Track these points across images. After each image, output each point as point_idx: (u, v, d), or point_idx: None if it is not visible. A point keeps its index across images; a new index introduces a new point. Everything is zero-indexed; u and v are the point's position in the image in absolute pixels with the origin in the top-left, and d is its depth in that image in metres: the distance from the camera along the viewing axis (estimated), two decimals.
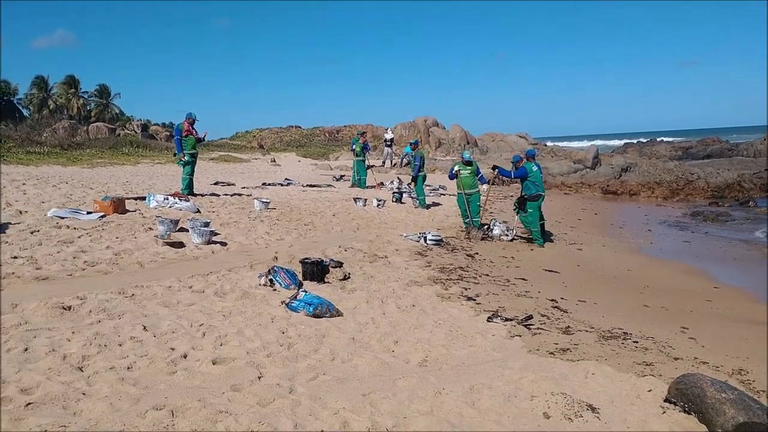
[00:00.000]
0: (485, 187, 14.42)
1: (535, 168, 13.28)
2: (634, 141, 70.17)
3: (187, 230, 10.01)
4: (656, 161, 33.24)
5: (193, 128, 15.08)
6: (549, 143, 53.64)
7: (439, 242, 11.86)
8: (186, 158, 15.05)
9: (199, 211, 12.64)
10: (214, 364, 4.91)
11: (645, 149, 53.10)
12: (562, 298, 8.45)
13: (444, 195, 21.35)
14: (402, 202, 18.27)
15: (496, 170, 14.25)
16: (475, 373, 5.18)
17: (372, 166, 26.01)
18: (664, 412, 4.56)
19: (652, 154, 46.42)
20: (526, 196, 13.32)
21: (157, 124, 67.83)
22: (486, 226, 13.65)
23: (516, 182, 17.16)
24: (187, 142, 15.05)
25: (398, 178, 23.43)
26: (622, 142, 73.73)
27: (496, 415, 4.31)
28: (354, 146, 22.71)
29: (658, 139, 66.97)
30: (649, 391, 4.94)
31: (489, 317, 6.93)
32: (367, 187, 21.98)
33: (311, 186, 22.38)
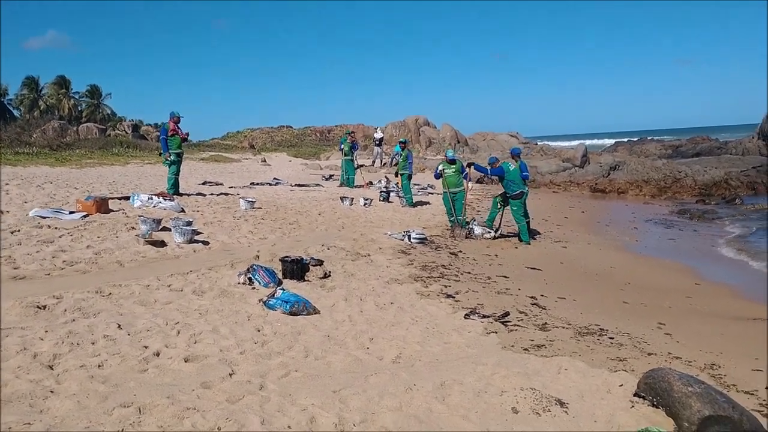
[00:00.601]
0: (470, 184, 14.47)
1: (512, 167, 13.30)
2: (625, 140, 70.39)
3: (170, 229, 10.01)
4: (645, 159, 33.35)
5: (178, 127, 15.07)
6: (539, 142, 53.73)
7: (423, 240, 11.87)
8: (172, 158, 15.05)
9: (183, 211, 12.63)
10: (186, 361, 4.92)
11: (635, 148, 53.29)
12: (542, 295, 8.48)
13: (432, 194, 21.37)
14: (389, 201, 18.29)
15: (472, 166, 14.30)
16: (448, 369, 5.20)
17: (362, 166, 26.04)
18: (633, 406, 4.59)
19: (642, 153, 46.59)
20: (509, 195, 13.37)
21: (149, 125, 67.73)
22: (469, 225, 13.68)
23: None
24: (173, 142, 15.04)
25: (386, 177, 23.45)
26: (613, 141, 73.93)
27: (464, 410, 4.33)
28: (342, 145, 22.74)
29: (649, 138, 67.14)
30: (621, 386, 4.97)
31: (466, 314, 6.95)
32: (356, 187, 22.00)
33: (299, 185, 22.39)
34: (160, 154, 15.68)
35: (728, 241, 14.73)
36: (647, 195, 25.82)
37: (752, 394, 5.12)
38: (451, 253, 11.28)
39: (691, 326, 7.39)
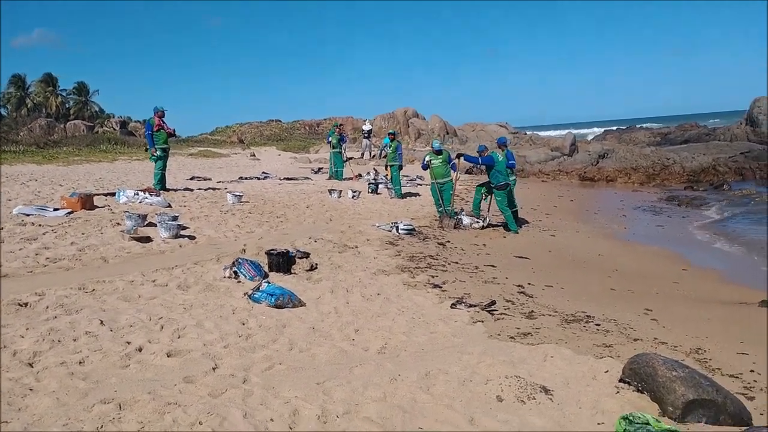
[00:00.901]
0: (458, 174, 14.45)
1: (501, 158, 13.29)
2: (614, 128, 70.53)
3: (156, 225, 9.94)
4: (633, 147, 33.40)
5: (163, 122, 14.96)
6: (529, 132, 53.77)
7: (411, 231, 11.84)
8: (158, 153, 14.94)
9: (170, 206, 12.55)
10: (168, 356, 4.88)
11: (624, 136, 53.39)
12: (530, 284, 8.48)
13: (421, 185, 21.34)
14: (378, 193, 18.26)
15: (462, 157, 14.28)
16: (434, 358, 5.18)
17: (351, 159, 25.96)
18: (618, 392, 4.59)
19: (631, 141, 46.66)
20: (493, 185, 13.35)
21: (138, 121, 67.27)
22: (458, 215, 13.66)
23: None
24: (159, 137, 14.93)
25: (374, 169, 23.40)
26: (602, 130, 74.06)
27: (449, 399, 4.31)
28: (330, 138, 22.65)
29: (638, 126, 67.30)
30: (606, 372, 4.97)
31: (453, 304, 6.94)
32: (345, 179, 21.94)
33: (288, 179, 22.29)
34: (146, 150, 15.58)
35: (701, 227, 14.85)
36: (636, 182, 25.90)
37: (737, 377, 5.13)
38: (439, 244, 11.26)
39: (678, 311, 7.40)
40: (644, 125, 69.92)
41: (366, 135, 34.40)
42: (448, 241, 11.61)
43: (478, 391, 4.46)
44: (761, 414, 4.51)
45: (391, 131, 22.23)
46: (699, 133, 47.04)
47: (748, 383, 5.01)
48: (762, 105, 40.01)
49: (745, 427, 4.01)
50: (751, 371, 5.28)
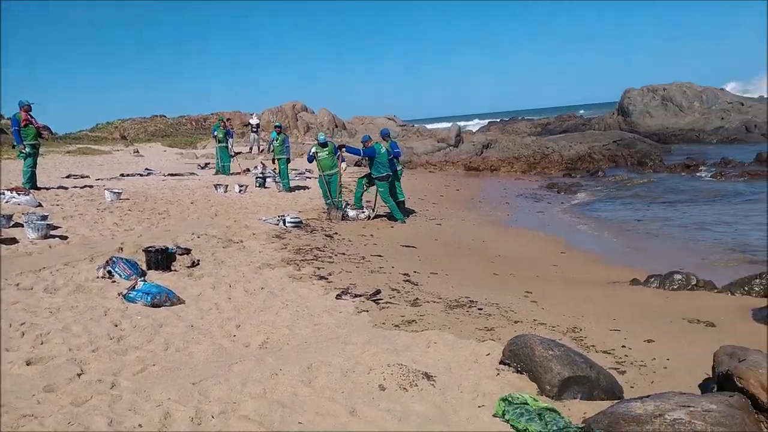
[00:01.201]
0: (344, 165, 14.41)
1: (383, 150, 13.34)
2: (498, 120, 72.79)
3: (23, 225, 9.28)
4: (515, 137, 34.54)
5: (31, 116, 14.02)
6: (416, 125, 54.54)
7: (298, 224, 11.68)
8: (27, 150, 13.99)
9: (40, 205, 11.79)
10: (28, 364, 4.52)
11: (507, 127, 55.27)
12: (415, 272, 8.53)
13: (309, 178, 21.15)
14: (266, 187, 17.97)
15: (344, 148, 14.24)
16: (317, 351, 5.08)
17: (238, 153, 25.37)
18: (498, 373, 4.66)
19: (513, 131, 48.34)
20: (374, 177, 13.38)
21: (9, 118, 63.05)
22: (345, 207, 13.61)
23: None
24: (27, 133, 13.98)
25: (262, 163, 23.00)
26: (487, 122, 76.24)
27: (330, 391, 4.23)
28: (216, 132, 22.05)
29: (520, 118, 69.78)
30: (488, 355, 5.04)
31: (338, 295, 6.86)
32: (232, 174, 21.42)
33: (173, 175, 21.52)
34: (14, 147, 14.55)
35: (569, 210, 15.66)
36: (518, 171, 26.78)
37: (609, 353, 5.33)
38: (326, 236, 11.16)
39: (556, 293, 7.65)
40: (526, 117, 72.52)
41: (254, 129, 33.78)
42: (336, 233, 11.53)
43: (360, 381, 4.40)
44: (632, 387, 4.70)
45: (277, 124, 21.85)
46: (576, 123, 49.35)
47: (620, 358, 5.22)
48: (632, 96, 42.42)
49: (617, 400, 4.15)
50: (623, 347, 5.50)
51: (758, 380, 3.77)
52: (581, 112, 72.07)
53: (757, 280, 7.77)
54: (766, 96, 46.10)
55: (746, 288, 7.73)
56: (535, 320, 6.28)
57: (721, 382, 4.18)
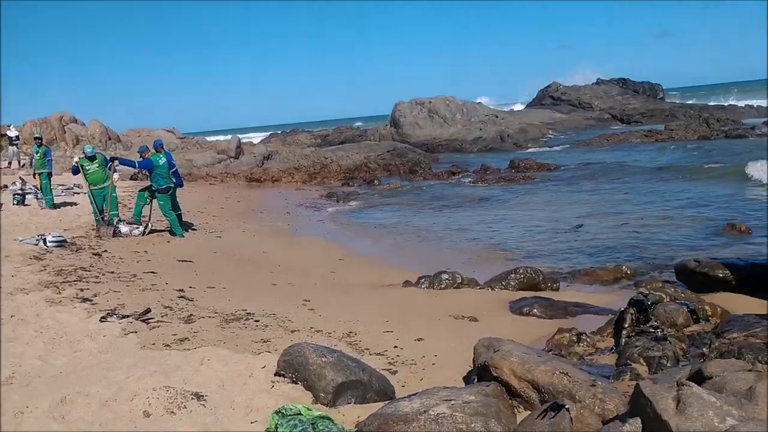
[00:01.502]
0: (116, 176, 13.53)
1: (162, 161, 12.73)
2: (279, 132, 73.00)
3: None
4: (296, 148, 34.81)
5: None
6: (197, 137, 52.96)
7: (62, 243, 10.70)
8: None
9: None
10: None
11: (288, 138, 55.53)
12: (191, 287, 8.18)
13: (79, 194, 19.54)
14: (26, 204, 16.29)
15: (116, 161, 13.42)
16: (74, 381, 4.63)
17: None
18: (273, 386, 4.59)
19: (294, 142, 48.67)
20: (155, 189, 12.74)
21: None
22: (116, 223, 12.75)
23: None
24: None
25: (21, 178, 20.85)
26: (268, 134, 76.13)
27: (86, 425, 3.87)
28: None
29: (300, 130, 70.55)
30: (263, 367, 4.95)
31: (103, 317, 6.35)
32: None
33: None
34: None
35: (343, 217, 16.30)
36: (299, 181, 26.98)
37: (382, 354, 5.49)
38: (94, 254, 10.34)
39: (333, 299, 7.76)
40: (306, 129, 73.55)
41: (14, 142, 30.50)
42: (105, 251, 10.72)
43: (122, 409, 4.08)
44: (403, 386, 4.87)
45: (37, 136, 19.95)
46: (353, 134, 50.90)
47: (392, 359, 5.40)
48: (402, 108, 44.71)
49: (387, 401, 4.26)
50: (395, 347, 5.70)
51: (510, 368, 4.08)
52: (358, 123, 74.87)
53: (513, 275, 8.54)
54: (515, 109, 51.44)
55: (503, 283, 8.45)
56: (312, 328, 6.29)
57: (480, 372, 4.47)
